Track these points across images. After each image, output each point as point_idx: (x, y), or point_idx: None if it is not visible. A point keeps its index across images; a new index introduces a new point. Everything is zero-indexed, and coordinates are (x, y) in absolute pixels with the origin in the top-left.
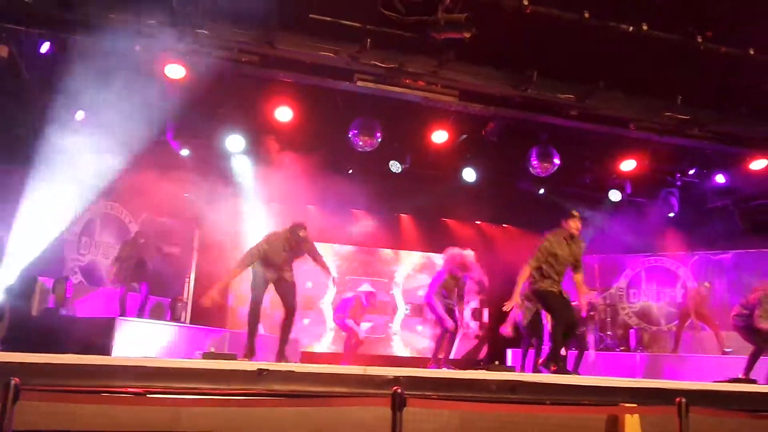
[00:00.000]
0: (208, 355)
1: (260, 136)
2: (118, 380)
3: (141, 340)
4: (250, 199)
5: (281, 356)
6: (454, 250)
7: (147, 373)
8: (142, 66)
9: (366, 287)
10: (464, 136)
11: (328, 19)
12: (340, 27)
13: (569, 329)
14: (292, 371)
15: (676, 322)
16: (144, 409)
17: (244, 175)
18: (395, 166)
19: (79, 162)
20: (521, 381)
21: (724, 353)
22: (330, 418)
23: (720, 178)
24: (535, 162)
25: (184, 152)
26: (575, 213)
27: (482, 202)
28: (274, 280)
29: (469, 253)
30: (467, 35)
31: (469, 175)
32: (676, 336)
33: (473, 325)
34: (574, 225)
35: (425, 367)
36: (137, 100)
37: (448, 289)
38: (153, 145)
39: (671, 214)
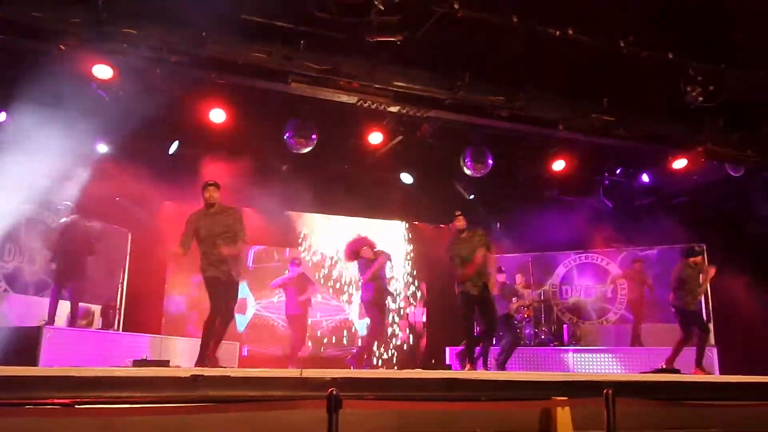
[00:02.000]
0: (139, 363)
1: (194, 138)
2: (44, 391)
3: (70, 349)
4: (184, 203)
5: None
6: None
7: (75, 383)
8: (68, 66)
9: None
10: (400, 137)
11: (260, 20)
12: (272, 28)
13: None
14: (228, 376)
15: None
16: (72, 421)
17: (178, 178)
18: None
19: (2, 165)
20: (457, 379)
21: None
22: (266, 423)
23: (645, 177)
24: (470, 163)
25: (102, 149)
26: (457, 213)
27: (418, 203)
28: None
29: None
30: (400, 38)
31: (406, 177)
32: (634, 329)
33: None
34: (459, 224)
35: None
36: (64, 101)
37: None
38: (81, 148)
39: (600, 212)
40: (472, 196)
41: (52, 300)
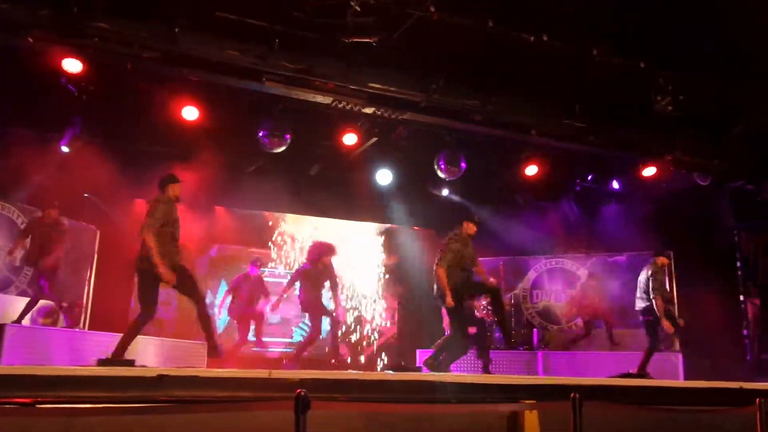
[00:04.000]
0: (103, 362)
1: (165, 135)
2: (4, 390)
3: (34, 348)
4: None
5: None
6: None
7: (36, 382)
8: (37, 59)
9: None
10: (374, 139)
11: (235, 17)
12: (247, 26)
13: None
14: (196, 376)
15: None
16: (33, 421)
17: (148, 176)
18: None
19: None
20: (426, 381)
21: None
22: (233, 424)
23: (615, 184)
24: (443, 165)
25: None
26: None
27: (393, 205)
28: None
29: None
30: (375, 40)
31: (382, 177)
32: (608, 332)
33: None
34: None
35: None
36: (34, 95)
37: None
38: (49, 143)
39: (571, 218)
40: (445, 192)
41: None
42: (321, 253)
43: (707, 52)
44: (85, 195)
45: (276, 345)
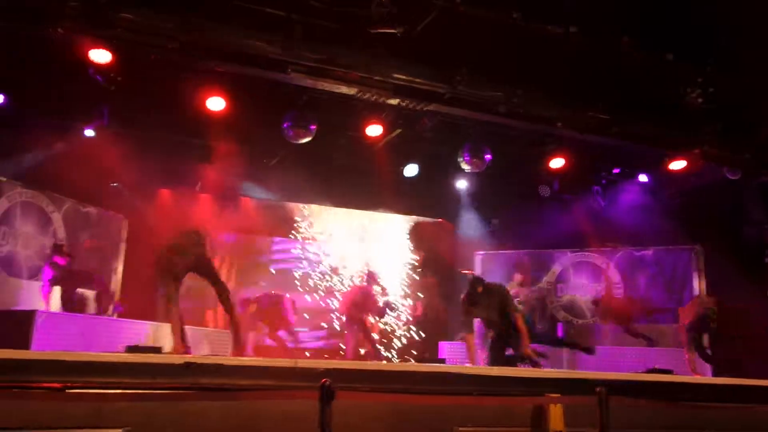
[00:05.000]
0: (131, 348)
1: (191, 125)
2: (35, 375)
3: (63, 334)
4: (181, 190)
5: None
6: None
7: (66, 367)
8: (66, 50)
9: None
10: (398, 130)
11: (258, 7)
12: (271, 17)
13: None
14: (221, 365)
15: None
16: (62, 405)
17: (175, 165)
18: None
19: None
20: (450, 372)
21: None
22: (257, 412)
23: (643, 177)
24: (467, 158)
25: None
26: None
27: (418, 197)
28: None
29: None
30: (400, 30)
31: (407, 169)
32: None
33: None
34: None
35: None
36: (62, 86)
37: None
38: (77, 133)
39: (597, 211)
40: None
41: (45, 286)
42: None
43: (736, 43)
44: (113, 184)
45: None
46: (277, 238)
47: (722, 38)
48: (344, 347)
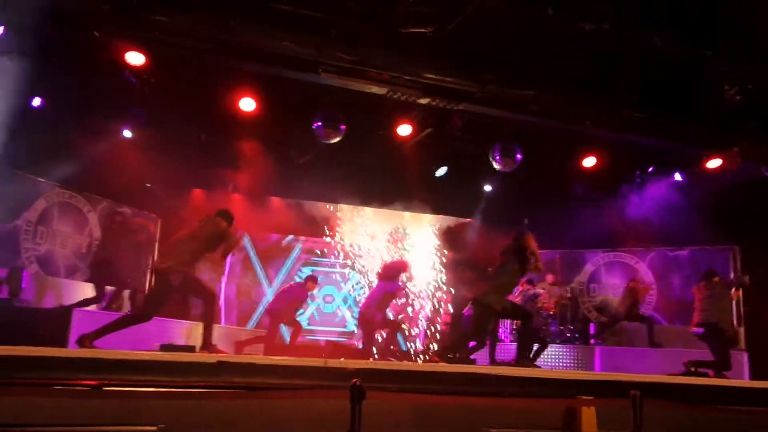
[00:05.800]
0: (166, 347)
1: (223, 126)
2: (72, 373)
3: None
4: (213, 189)
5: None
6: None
7: (103, 365)
8: (102, 53)
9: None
10: (429, 129)
11: (290, 8)
12: (302, 18)
13: None
14: (253, 363)
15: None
16: (100, 403)
17: (207, 165)
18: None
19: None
20: (480, 373)
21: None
22: (289, 411)
23: (677, 176)
24: (498, 157)
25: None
26: None
27: (448, 196)
28: None
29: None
30: (431, 30)
31: (438, 169)
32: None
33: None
34: None
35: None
36: (98, 88)
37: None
38: (112, 135)
39: (630, 211)
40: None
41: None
42: (399, 270)
43: None
44: (147, 185)
45: (329, 334)
46: (306, 237)
47: (760, 33)
48: (374, 346)
